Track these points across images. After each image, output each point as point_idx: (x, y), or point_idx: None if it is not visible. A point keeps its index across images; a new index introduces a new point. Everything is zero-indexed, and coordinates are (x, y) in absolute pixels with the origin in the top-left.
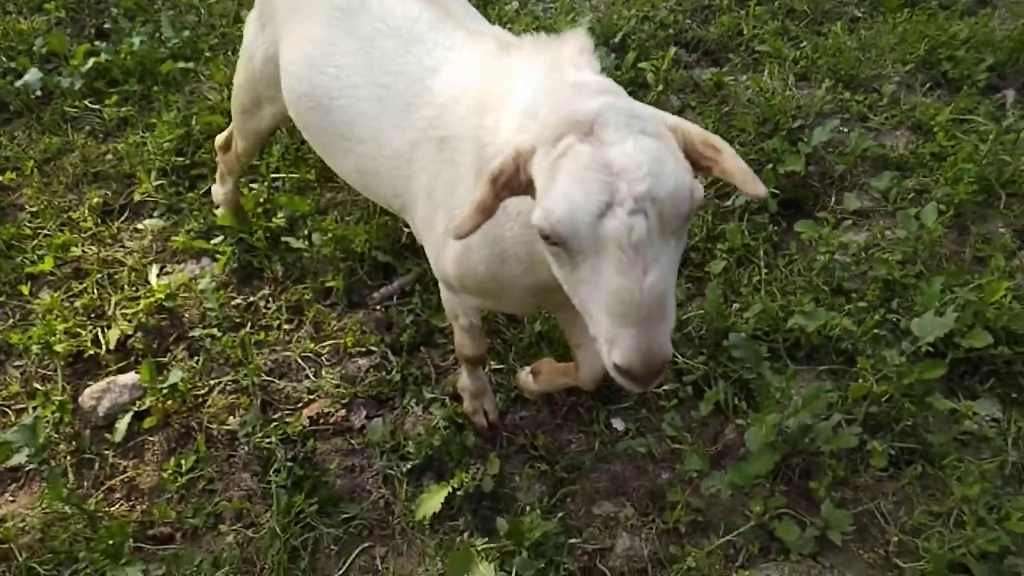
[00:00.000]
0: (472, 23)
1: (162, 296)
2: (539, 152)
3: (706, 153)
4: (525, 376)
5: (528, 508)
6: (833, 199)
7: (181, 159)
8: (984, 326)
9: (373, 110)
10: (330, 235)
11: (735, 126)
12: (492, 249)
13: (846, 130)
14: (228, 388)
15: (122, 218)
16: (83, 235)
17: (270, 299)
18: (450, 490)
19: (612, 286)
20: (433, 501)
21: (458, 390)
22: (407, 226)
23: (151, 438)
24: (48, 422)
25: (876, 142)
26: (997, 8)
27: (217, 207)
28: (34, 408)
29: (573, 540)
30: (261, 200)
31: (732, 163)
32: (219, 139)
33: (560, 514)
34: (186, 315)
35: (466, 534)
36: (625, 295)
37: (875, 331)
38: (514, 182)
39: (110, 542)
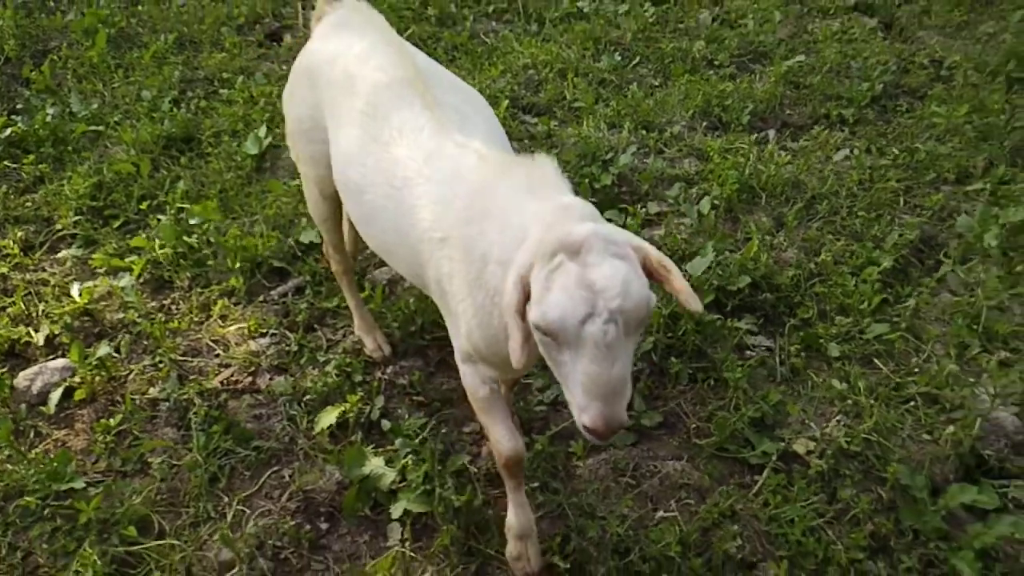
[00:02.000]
0: (459, 135)
1: (85, 301)
2: (537, 266)
3: (660, 272)
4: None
5: (408, 424)
6: (639, 207)
7: (95, 202)
8: (747, 275)
9: (390, 207)
10: (232, 243)
11: (561, 158)
12: (487, 331)
13: (647, 160)
14: (147, 368)
15: (43, 250)
16: (9, 261)
17: (180, 301)
18: (343, 409)
19: (588, 371)
20: (329, 417)
21: (504, 530)
22: (296, 241)
23: (80, 411)
24: None
25: (669, 165)
26: (755, 73)
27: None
28: None
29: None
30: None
31: (677, 282)
32: (324, 250)
33: (438, 432)
34: (107, 318)
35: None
36: (597, 379)
37: None
38: (524, 299)
39: (54, 465)
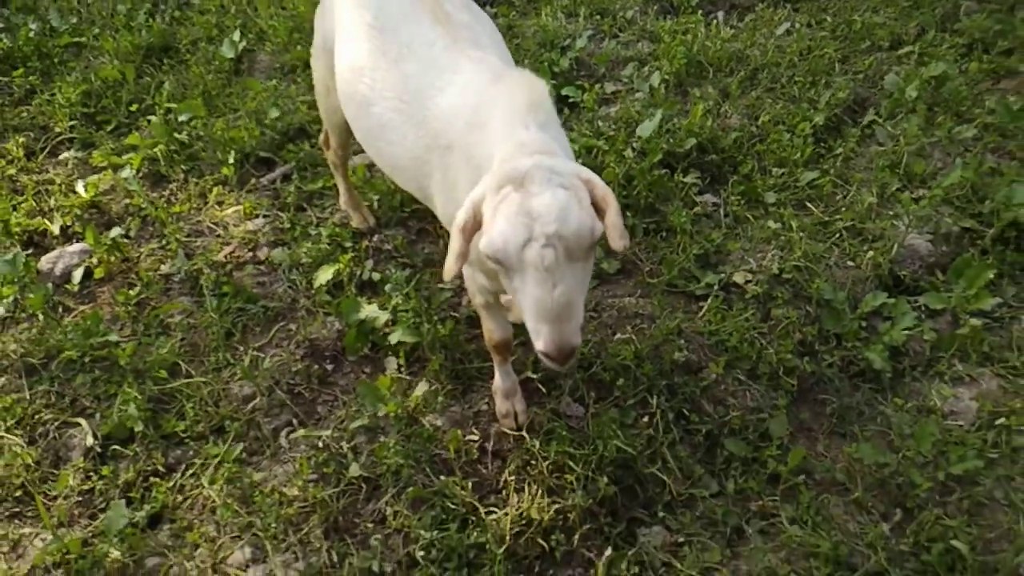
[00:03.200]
0: (474, 50)
1: (91, 195)
2: (487, 198)
3: (600, 205)
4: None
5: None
6: (596, 86)
7: (86, 109)
8: (693, 137)
9: (398, 120)
10: (220, 136)
11: (522, 47)
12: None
13: (603, 44)
14: (156, 250)
15: (44, 154)
16: (15, 165)
17: (178, 191)
18: (337, 268)
19: (532, 295)
20: (326, 274)
21: (492, 391)
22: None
23: (101, 288)
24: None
25: (623, 48)
26: None
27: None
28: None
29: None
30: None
31: (611, 218)
32: (321, 137)
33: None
34: (113, 209)
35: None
36: (541, 302)
37: (620, 147)
38: (473, 225)
39: (88, 324)
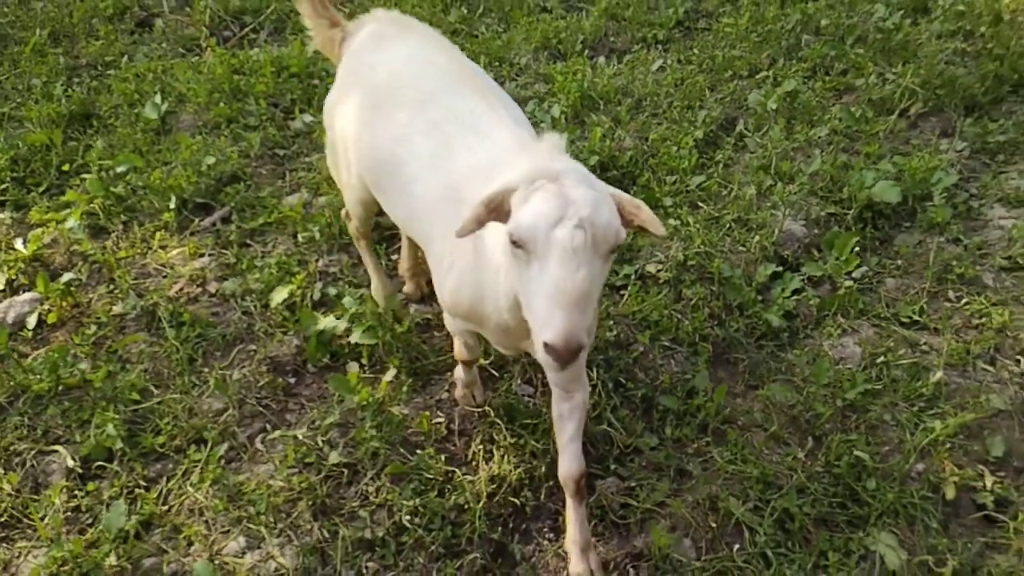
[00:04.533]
0: (511, 123)
1: (33, 249)
2: (519, 189)
3: (631, 210)
4: (574, 563)
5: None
6: None
7: (15, 173)
8: (595, 155)
9: (427, 173)
10: (158, 184)
11: None
12: (475, 291)
13: (503, 86)
14: (107, 293)
15: None
16: None
17: (120, 240)
18: (291, 288)
19: (554, 275)
20: (281, 293)
21: (453, 380)
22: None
23: (55, 333)
24: None
25: (522, 88)
26: (582, 11)
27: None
28: None
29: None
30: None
31: (645, 214)
32: (343, 213)
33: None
34: (56, 261)
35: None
36: (561, 282)
37: None
38: (499, 209)
39: (55, 357)
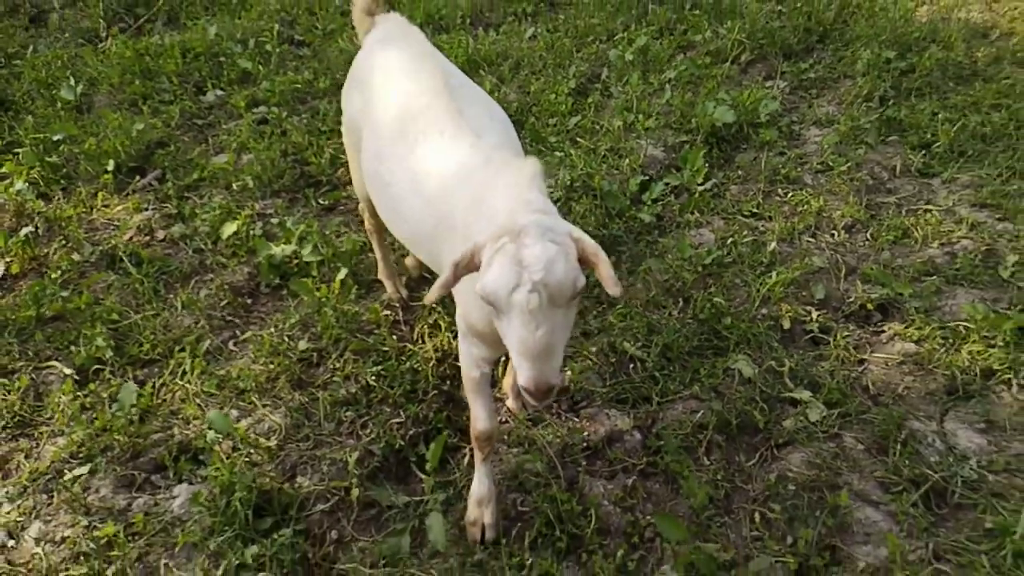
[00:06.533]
0: (474, 138)
1: None
2: (487, 246)
3: (590, 259)
4: (511, 403)
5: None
6: None
7: None
8: None
9: (413, 198)
10: (93, 149)
11: (329, 67)
12: (484, 311)
13: None
14: (62, 246)
15: None
16: None
17: (63, 199)
18: (238, 223)
19: (517, 334)
20: (230, 228)
21: (469, 496)
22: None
23: (19, 282)
24: None
25: None
26: None
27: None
28: None
29: None
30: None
31: (604, 269)
32: (360, 205)
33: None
34: (6, 223)
35: None
36: (524, 341)
37: None
38: (470, 265)
39: (35, 290)
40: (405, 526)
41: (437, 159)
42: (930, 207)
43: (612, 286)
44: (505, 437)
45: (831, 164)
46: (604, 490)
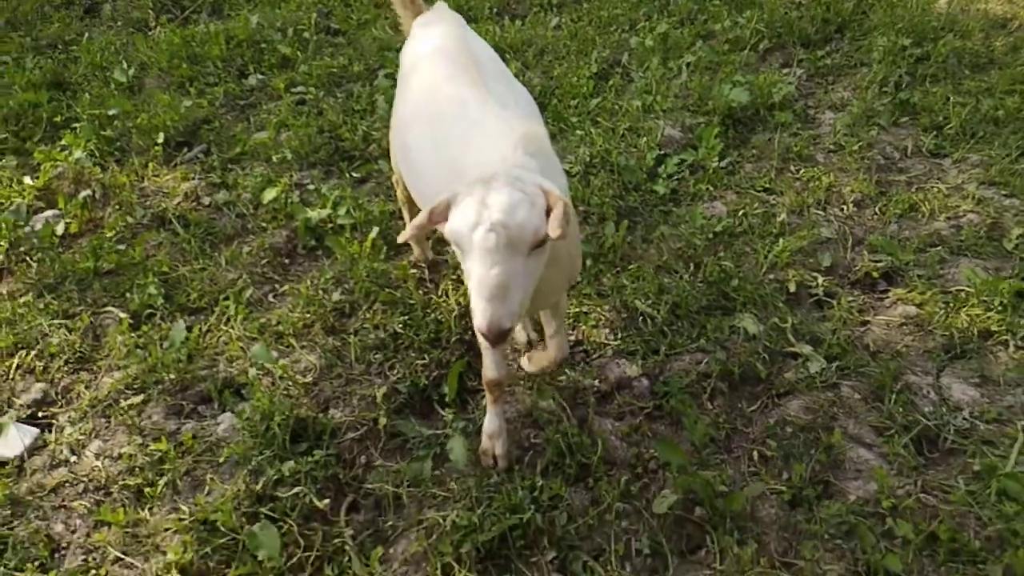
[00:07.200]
0: (501, 110)
1: (45, 179)
2: (461, 192)
3: (552, 205)
4: (524, 360)
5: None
6: None
7: (16, 128)
8: None
9: (433, 167)
10: (146, 123)
11: (369, 41)
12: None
13: None
14: (115, 210)
15: None
16: None
17: (117, 168)
18: (278, 189)
19: (474, 272)
20: (270, 193)
21: (481, 432)
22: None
23: (77, 240)
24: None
25: None
26: None
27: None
28: None
29: None
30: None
31: (555, 213)
32: (394, 177)
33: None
34: (65, 190)
35: None
36: (480, 279)
37: None
38: (444, 214)
39: (94, 244)
40: (427, 453)
41: (460, 126)
42: (939, 184)
43: (554, 228)
44: (521, 382)
45: (843, 144)
46: (612, 427)
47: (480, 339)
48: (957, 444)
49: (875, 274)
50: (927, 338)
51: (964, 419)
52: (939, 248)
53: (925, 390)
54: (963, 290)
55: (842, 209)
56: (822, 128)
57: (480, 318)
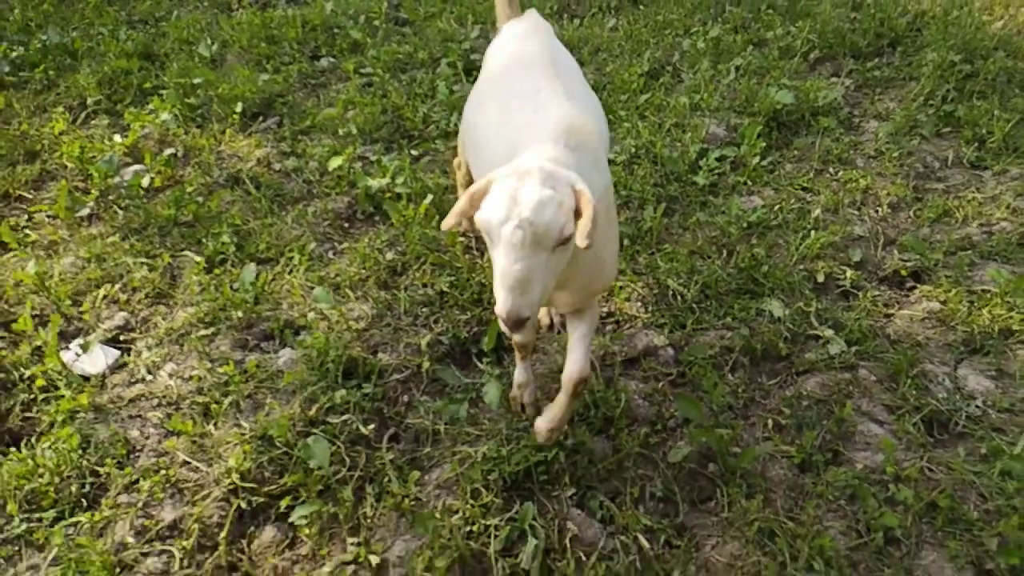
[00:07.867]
0: (567, 100)
1: (133, 138)
2: (498, 180)
3: (581, 209)
4: (539, 424)
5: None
6: None
7: (108, 92)
8: None
9: (496, 144)
10: (227, 93)
11: (430, 34)
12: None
13: (489, 37)
14: (195, 169)
15: (78, 124)
16: (56, 130)
17: (198, 133)
18: (343, 157)
19: (499, 263)
20: (336, 161)
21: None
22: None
23: (159, 194)
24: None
25: None
26: None
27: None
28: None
29: None
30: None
31: (583, 220)
32: (456, 162)
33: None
34: (150, 148)
35: None
36: (504, 271)
37: None
38: (481, 197)
39: (176, 194)
40: (464, 396)
41: (525, 110)
42: (976, 194)
43: (581, 237)
44: (554, 343)
45: (884, 150)
46: (636, 388)
47: (499, 324)
48: (967, 428)
49: (904, 272)
50: (948, 332)
51: (977, 407)
52: (969, 252)
53: (940, 378)
54: (987, 290)
55: (877, 211)
56: (865, 135)
57: (501, 306)
